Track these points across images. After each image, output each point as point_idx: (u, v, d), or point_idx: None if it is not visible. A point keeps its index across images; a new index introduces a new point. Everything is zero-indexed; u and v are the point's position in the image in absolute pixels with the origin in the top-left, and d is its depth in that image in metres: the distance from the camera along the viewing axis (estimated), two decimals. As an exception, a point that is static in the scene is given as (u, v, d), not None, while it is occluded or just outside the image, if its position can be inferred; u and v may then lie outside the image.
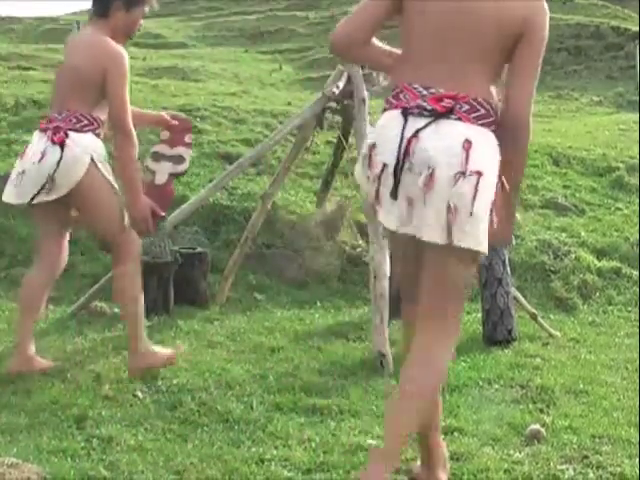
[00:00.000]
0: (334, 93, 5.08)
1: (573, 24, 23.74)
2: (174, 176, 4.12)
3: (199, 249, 5.67)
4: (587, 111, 16.31)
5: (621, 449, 3.25)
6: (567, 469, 3.02)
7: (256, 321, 5.15)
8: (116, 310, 5.24)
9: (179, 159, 4.11)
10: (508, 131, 2.59)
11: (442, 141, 2.50)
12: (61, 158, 3.77)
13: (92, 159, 3.83)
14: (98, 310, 5.11)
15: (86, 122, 3.86)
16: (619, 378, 4.33)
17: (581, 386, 4.09)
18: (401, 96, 2.60)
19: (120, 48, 3.87)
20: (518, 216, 7.31)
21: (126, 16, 3.95)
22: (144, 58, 18.90)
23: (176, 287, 5.29)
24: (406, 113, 2.55)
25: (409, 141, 2.51)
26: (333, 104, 5.29)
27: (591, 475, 2.99)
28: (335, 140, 5.36)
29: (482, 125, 2.54)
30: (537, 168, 8.57)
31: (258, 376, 4.02)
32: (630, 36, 22.31)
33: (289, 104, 10.70)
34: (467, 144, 2.49)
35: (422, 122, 2.52)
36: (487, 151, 2.53)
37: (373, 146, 2.59)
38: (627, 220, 7.59)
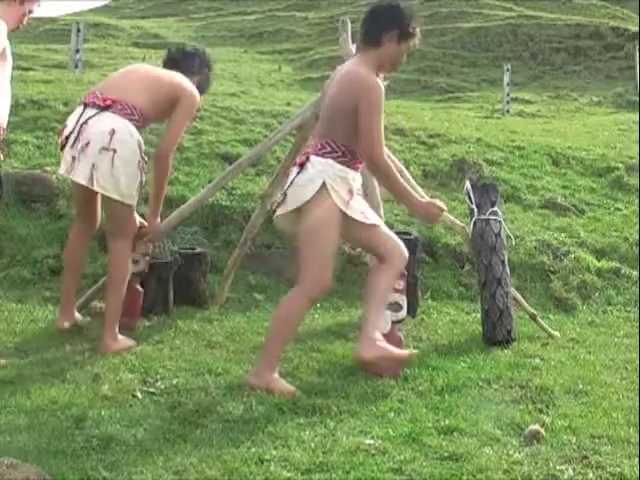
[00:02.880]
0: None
1: (572, 24, 23.75)
2: (397, 323, 4.22)
3: (198, 249, 5.66)
4: (586, 111, 16.32)
5: (620, 449, 3.25)
6: (566, 469, 3.02)
7: (256, 321, 5.15)
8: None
9: (396, 306, 4.18)
10: None
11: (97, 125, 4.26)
12: (295, 177, 3.95)
13: (324, 183, 3.85)
14: (98, 310, 5.10)
15: (329, 149, 3.91)
16: (618, 378, 4.33)
17: (580, 386, 4.09)
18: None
19: (377, 80, 3.90)
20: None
21: (396, 48, 4.04)
22: (143, 58, 18.89)
23: (176, 287, 5.28)
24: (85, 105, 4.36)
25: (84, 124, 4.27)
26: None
27: (590, 475, 2.99)
28: (334, 140, 5.35)
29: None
30: (536, 168, 8.57)
31: (257, 376, 4.02)
32: (629, 36, 22.35)
33: (288, 104, 10.69)
34: (112, 131, 4.22)
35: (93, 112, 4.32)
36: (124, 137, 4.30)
37: (65, 126, 4.34)
38: (626, 220, 7.59)
